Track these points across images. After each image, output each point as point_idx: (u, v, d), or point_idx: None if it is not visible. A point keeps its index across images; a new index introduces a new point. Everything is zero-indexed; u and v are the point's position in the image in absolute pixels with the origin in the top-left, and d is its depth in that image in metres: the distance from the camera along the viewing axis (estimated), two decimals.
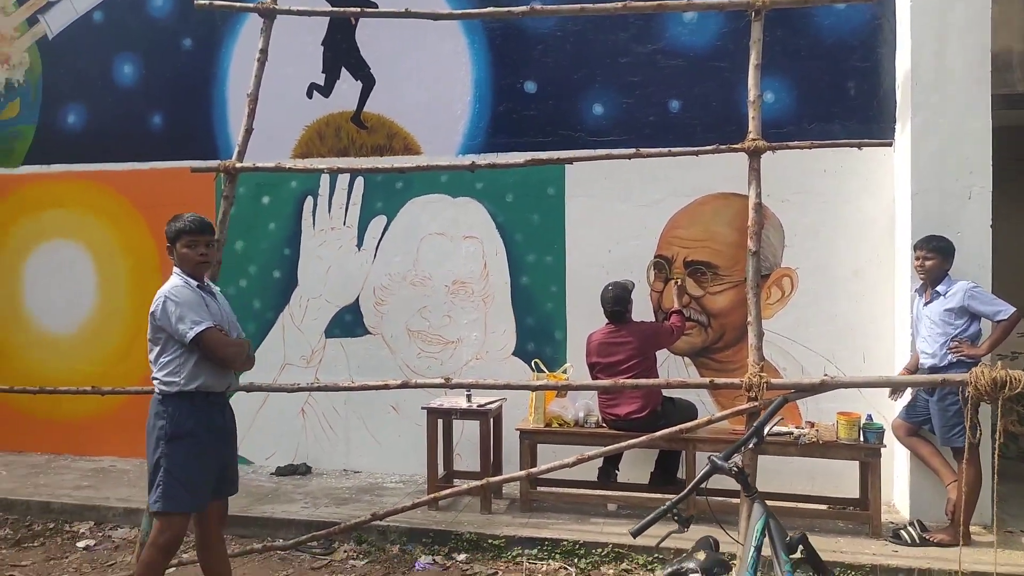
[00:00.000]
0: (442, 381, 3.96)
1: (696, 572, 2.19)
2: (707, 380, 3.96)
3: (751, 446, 2.70)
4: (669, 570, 2.27)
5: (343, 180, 5.61)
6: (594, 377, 4.63)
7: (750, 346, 3.79)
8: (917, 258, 4.16)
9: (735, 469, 2.46)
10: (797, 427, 4.43)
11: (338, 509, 4.62)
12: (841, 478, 4.58)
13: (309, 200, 5.67)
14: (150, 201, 5.87)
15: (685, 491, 2.49)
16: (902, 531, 4.05)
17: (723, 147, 4.08)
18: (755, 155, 3.98)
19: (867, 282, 4.80)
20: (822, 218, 4.88)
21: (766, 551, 2.44)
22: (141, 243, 5.90)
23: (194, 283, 3.14)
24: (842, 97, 4.89)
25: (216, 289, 3.35)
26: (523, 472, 3.91)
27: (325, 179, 5.63)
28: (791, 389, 3.70)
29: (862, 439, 4.17)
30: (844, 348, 4.81)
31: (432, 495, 3.97)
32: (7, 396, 5.91)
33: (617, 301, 4.61)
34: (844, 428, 4.17)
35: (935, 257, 4.08)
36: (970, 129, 4.33)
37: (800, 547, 2.46)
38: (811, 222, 4.89)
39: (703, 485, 2.47)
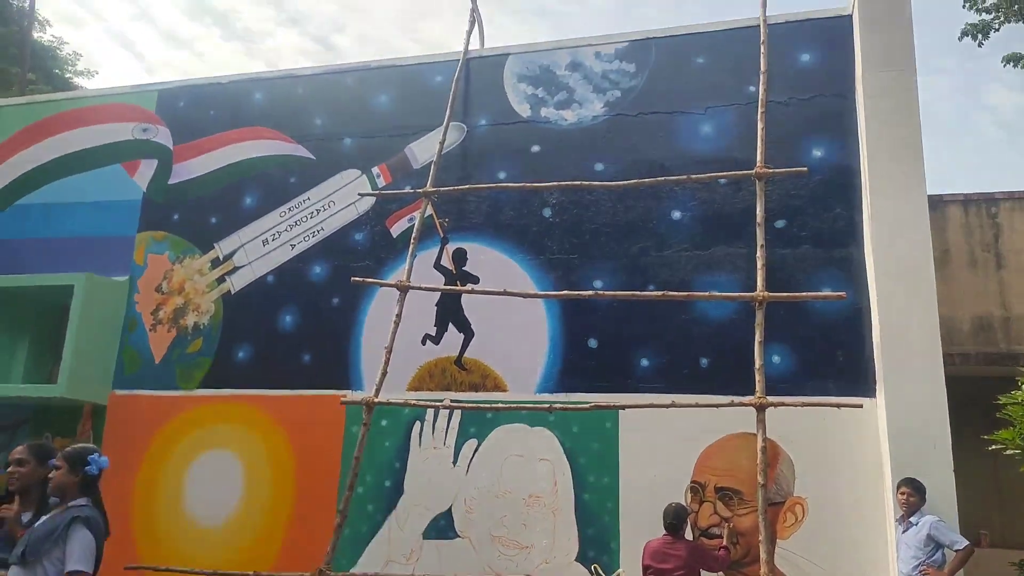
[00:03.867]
0: None
1: None
2: None
3: None
4: None
5: (443, 414, 7.15)
6: None
7: (761, 559, 4.94)
8: (902, 494, 5.34)
9: None
10: None
11: None
12: None
13: (417, 424, 7.20)
14: (292, 419, 7.51)
15: None
16: None
17: (736, 401, 5.49)
18: (760, 409, 5.36)
19: (863, 511, 5.93)
20: (823, 456, 6.12)
21: None
22: (282, 453, 7.47)
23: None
24: (833, 361, 6.33)
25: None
26: None
27: (430, 413, 7.17)
28: None
29: None
30: (849, 565, 5.84)
31: None
32: None
33: (676, 516, 5.75)
34: None
35: (916, 495, 5.26)
36: (928, 395, 5.66)
37: None
38: (815, 460, 6.14)
39: None
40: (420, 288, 6.68)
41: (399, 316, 6.46)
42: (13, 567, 3.25)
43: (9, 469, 3.72)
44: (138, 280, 8.53)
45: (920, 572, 4.99)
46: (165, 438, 7.87)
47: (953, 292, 7.07)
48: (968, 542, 4.99)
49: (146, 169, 8.88)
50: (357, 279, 6.66)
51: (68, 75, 16.10)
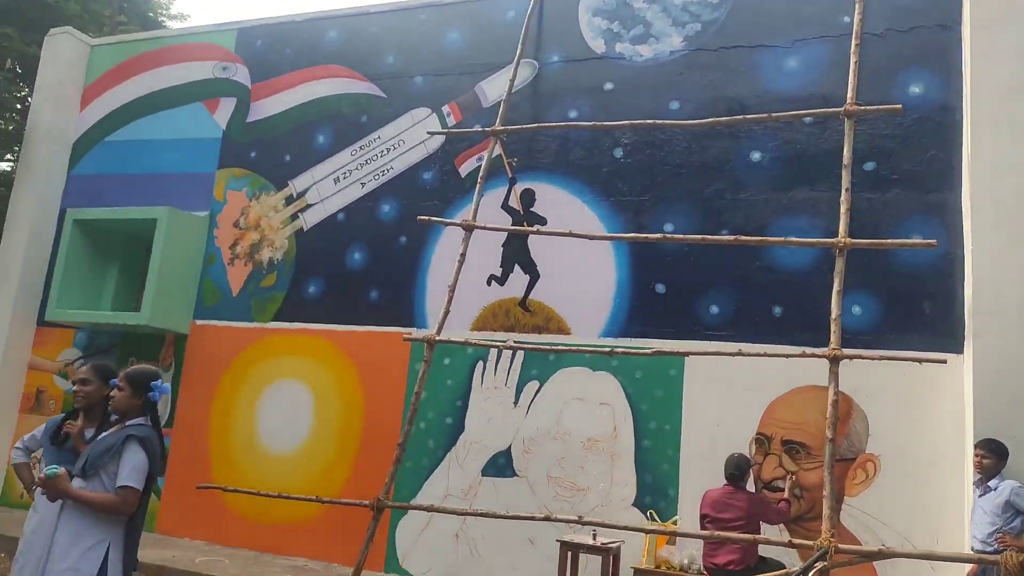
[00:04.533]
0: (576, 518, 5.14)
1: None
2: (786, 539, 4.89)
3: None
4: None
5: (506, 354, 7.12)
6: (703, 526, 5.62)
7: (824, 515, 4.71)
8: (976, 456, 5.00)
9: None
10: None
11: None
12: None
13: (480, 364, 7.21)
14: (361, 354, 7.66)
15: None
16: None
17: (808, 352, 5.21)
18: (834, 361, 5.05)
19: (941, 472, 5.59)
20: (902, 413, 5.78)
21: None
22: (351, 386, 7.64)
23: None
24: (919, 313, 5.92)
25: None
26: None
27: (493, 352, 7.17)
28: (855, 554, 4.57)
29: None
30: (920, 529, 5.55)
31: None
32: (228, 500, 7.64)
33: (738, 467, 5.61)
34: None
35: (991, 457, 4.91)
36: (1022, 352, 5.22)
37: None
38: (892, 416, 5.81)
39: None
40: (485, 228, 6.60)
41: (463, 255, 6.41)
42: (76, 478, 3.41)
43: (74, 388, 3.88)
44: (217, 215, 8.78)
45: (996, 539, 4.67)
46: (241, 367, 8.17)
47: None
48: None
49: (225, 107, 9.06)
50: (423, 218, 6.63)
51: (162, 18, 16.52)
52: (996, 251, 5.51)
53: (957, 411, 5.61)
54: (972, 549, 4.84)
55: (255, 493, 6.10)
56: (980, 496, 4.91)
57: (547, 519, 5.17)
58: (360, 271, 7.93)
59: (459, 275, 6.35)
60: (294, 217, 8.38)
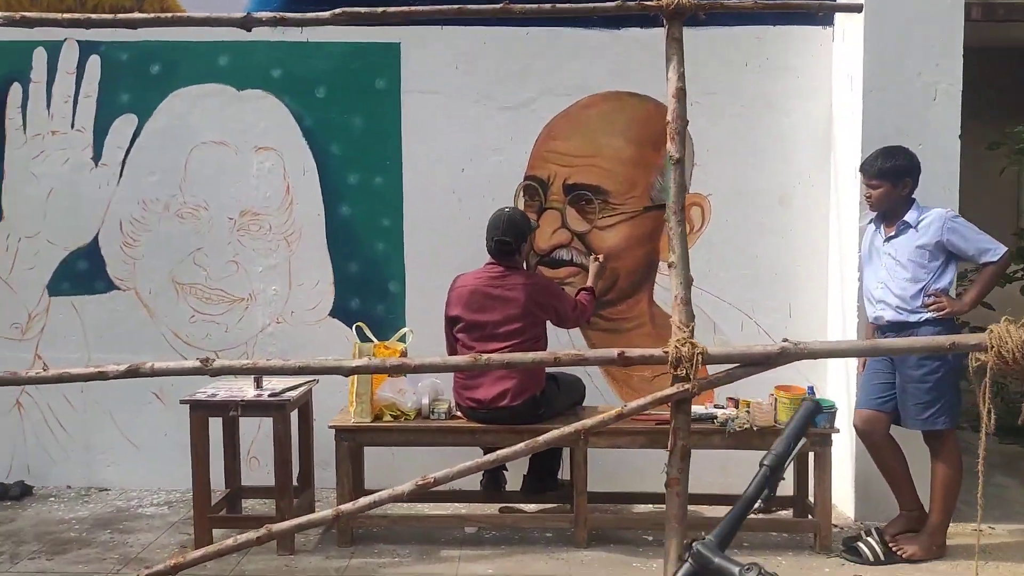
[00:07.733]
0: (197, 364, 2.39)
1: None
2: (614, 352, 2.68)
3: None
4: None
5: (68, 60, 3.79)
6: (453, 337, 3.28)
7: (674, 298, 2.47)
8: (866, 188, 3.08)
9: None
10: (716, 406, 3.28)
11: (47, 563, 2.98)
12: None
13: (16, 88, 3.80)
14: None
15: None
16: (859, 543, 3.03)
17: (631, 2, 2.72)
18: (676, 18, 2.63)
19: (796, 212, 3.73)
20: (743, 128, 3.71)
21: None
22: None
23: None
24: None
25: None
26: (330, 512, 2.43)
27: (41, 58, 3.78)
28: (736, 363, 2.48)
29: None
30: (767, 297, 3.74)
31: (173, 561, 2.41)
32: None
33: (512, 228, 3.22)
34: (787, 409, 3.05)
35: (882, 185, 3.00)
36: (939, 9, 3.28)
37: None
38: (729, 134, 3.72)
39: None
40: None
41: None
42: None
43: None
44: None
45: (927, 301, 2.90)
46: None
47: None
48: (1005, 248, 2.94)
49: None
50: None
51: None
52: None
53: (822, 116, 3.67)
54: (876, 321, 3.04)
55: None
56: (887, 239, 3.03)
57: (133, 374, 2.34)
58: None
59: None
60: None
